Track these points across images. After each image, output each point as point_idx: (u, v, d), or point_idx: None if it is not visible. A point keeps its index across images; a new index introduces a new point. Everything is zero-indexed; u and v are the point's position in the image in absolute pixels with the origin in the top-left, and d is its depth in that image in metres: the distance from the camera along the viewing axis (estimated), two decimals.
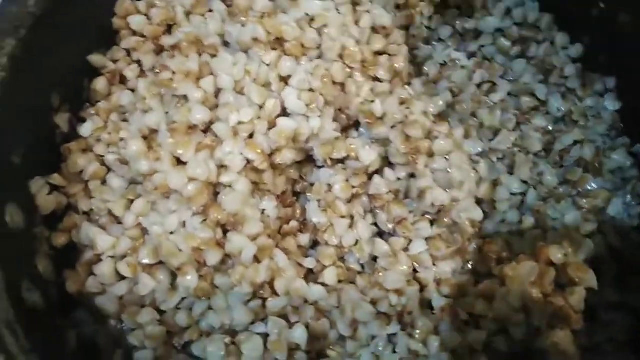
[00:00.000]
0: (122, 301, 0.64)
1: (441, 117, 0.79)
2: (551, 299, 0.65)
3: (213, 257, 0.63)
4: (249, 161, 0.66)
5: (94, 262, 0.65)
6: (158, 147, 0.67)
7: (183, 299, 0.65)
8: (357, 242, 0.69)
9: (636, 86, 0.81)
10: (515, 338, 0.65)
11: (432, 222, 0.72)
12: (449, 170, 0.73)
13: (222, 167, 0.67)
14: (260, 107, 0.69)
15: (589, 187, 0.80)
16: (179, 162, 0.67)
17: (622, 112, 0.85)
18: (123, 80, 0.77)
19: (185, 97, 0.70)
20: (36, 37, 0.64)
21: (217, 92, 0.71)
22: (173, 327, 0.64)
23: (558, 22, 0.91)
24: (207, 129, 0.69)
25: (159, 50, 0.77)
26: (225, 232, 0.66)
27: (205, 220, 0.64)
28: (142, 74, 0.77)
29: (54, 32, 0.67)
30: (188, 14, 0.77)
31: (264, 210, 0.68)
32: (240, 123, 0.67)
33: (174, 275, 0.64)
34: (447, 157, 0.74)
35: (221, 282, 0.64)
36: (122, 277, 0.64)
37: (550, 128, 0.85)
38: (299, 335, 0.63)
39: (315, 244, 0.71)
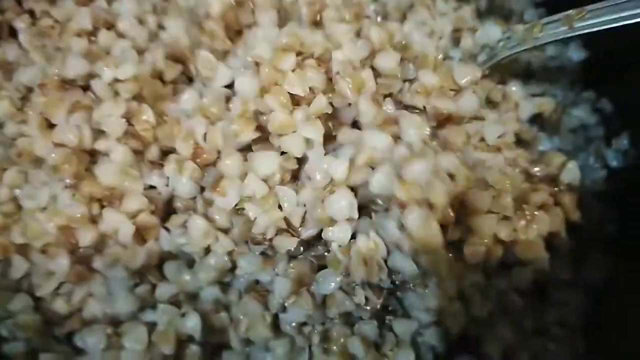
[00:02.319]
0: None
1: None
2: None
3: (85, 237, 0.54)
4: (130, 125, 0.56)
5: None
6: (28, 108, 0.57)
7: (62, 283, 0.56)
8: None
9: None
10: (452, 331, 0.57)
11: None
12: None
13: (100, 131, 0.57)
14: None
15: (543, 149, 0.69)
16: (51, 125, 0.57)
17: (588, 63, 0.74)
18: (14, 33, 0.66)
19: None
20: None
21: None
22: (52, 316, 0.56)
23: None
24: (87, 86, 0.59)
25: None
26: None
27: (74, 194, 0.55)
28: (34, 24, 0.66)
29: None
30: None
31: (151, 185, 0.58)
32: (117, 80, 0.57)
33: None
34: None
35: (99, 265, 0.55)
36: None
37: None
38: (193, 325, 0.54)
39: None
